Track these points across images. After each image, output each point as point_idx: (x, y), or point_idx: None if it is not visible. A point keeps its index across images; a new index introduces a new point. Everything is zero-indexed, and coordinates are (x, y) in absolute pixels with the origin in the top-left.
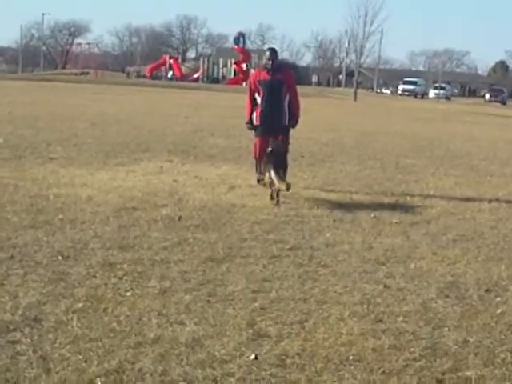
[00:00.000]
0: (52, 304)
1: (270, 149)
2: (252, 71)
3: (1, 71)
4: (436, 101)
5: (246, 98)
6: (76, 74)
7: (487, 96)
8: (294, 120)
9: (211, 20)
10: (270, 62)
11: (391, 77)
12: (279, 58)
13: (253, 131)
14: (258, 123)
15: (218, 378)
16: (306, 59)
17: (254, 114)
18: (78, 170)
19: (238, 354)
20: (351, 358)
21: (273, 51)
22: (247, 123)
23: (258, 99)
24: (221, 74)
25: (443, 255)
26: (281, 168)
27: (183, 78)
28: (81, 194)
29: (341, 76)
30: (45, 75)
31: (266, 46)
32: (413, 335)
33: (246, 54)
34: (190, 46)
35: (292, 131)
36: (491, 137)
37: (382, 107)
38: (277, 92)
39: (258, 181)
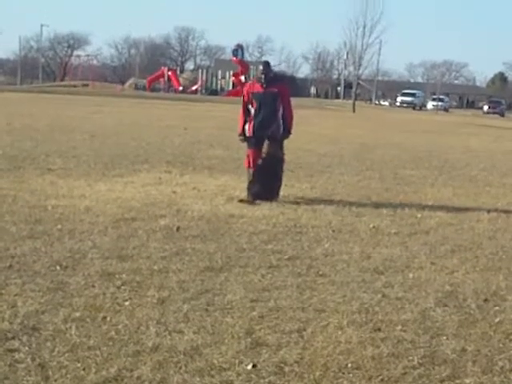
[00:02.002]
0: (50, 313)
1: (263, 155)
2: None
3: None
4: (434, 112)
5: (240, 110)
6: (75, 86)
7: (485, 108)
8: (286, 131)
9: (209, 32)
10: (263, 76)
11: (390, 88)
12: (274, 70)
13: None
14: (251, 135)
15: None
16: (305, 71)
17: (247, 126)
18: (76, 181)
19: (236, 362)
20: (350, 366)
21: (266, 64)
22: (240, 135)
23: (252, 111)
24: (219, 86)
25: (441, 265)
26: (267, 185)
27: (182, 89)
28: (79, 204)
29: (339, 88)
30: (44, 87)
31: (264, 58)
32: (411, 344)
33: (245, 66)
34: (188, 58)
35: (290, 143)
36: (489, 148)
37: (381, 119)
38: (270, 104)
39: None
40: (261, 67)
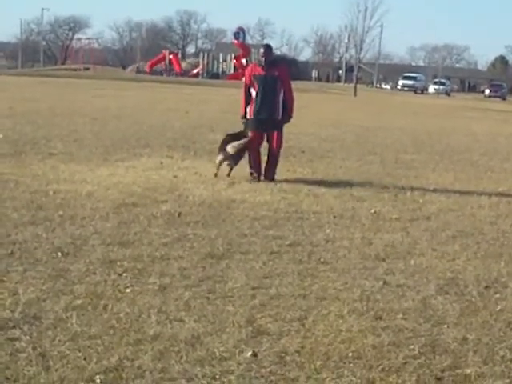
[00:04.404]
0: (51, 301)
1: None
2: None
3: (0, 66)
4: (436, 96)
5: (241, 92)
6: (75, 70)
7: (487, 91)
8: (287, 115)
9: (210, 15)
10: (264, 59)
11: (391, 72)
12: (275, 53)
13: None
14: (252, 117)
15: (218, 376)
16: (306, 54)
17: (248, 108)
18: (77, 165)
19: (237, 351)
20: (350, 355)
21: (267, 48)
22: (242, 117)
23: (253, 93)
24: (221, 70)
25: (443, 251)
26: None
27: (183, 73)
28: (81, 189)
29: (340, 71)
30: (45, 71)
31: (265, 41)
32: (412, 332)
33: (246, 49)
34: (189, 41)
35: (292, 127)
36: (491, 132)
37: (382, 102)
38: (271, 87)
39: (251, 174)
40: (261, 50)
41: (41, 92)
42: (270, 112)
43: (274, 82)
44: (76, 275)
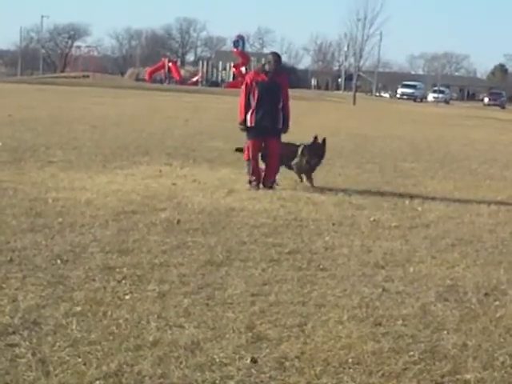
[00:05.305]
0: (51, 307)
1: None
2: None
3: (0, 74)
4: (435, 104)
5: (241, 98)
6: (75, 77)
7: (486, 99)
8: (286, 125)
9: (210, 23)
10: (277, 67)
11: (390, 80)
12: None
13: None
14: (252, 125)
15: (217, 381)
16: (305, 62)
17: (249, 116)
18: (77, 173)
19: (237, 357)
20: (350, 361)
21: (278, 56)
22: (240, 124)
23: (252, 100)
24: (220, 78)
25: (442, 259)
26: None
27: (182, 81)
28: (80, 197)
29: (340, 79)
30: (44, 78)
31: (265, 50)
32: (412, 338)
33: (245, 58)
34: (189, 49)
35: (290, 135)
36: (490, 140)
37: (381, 111)
38: (272, 95)
39: (250, 182)
40: (275, 59)
41: (40, 99)
42: (272, 120)
43: (277, 89)
44: (75, 282)
